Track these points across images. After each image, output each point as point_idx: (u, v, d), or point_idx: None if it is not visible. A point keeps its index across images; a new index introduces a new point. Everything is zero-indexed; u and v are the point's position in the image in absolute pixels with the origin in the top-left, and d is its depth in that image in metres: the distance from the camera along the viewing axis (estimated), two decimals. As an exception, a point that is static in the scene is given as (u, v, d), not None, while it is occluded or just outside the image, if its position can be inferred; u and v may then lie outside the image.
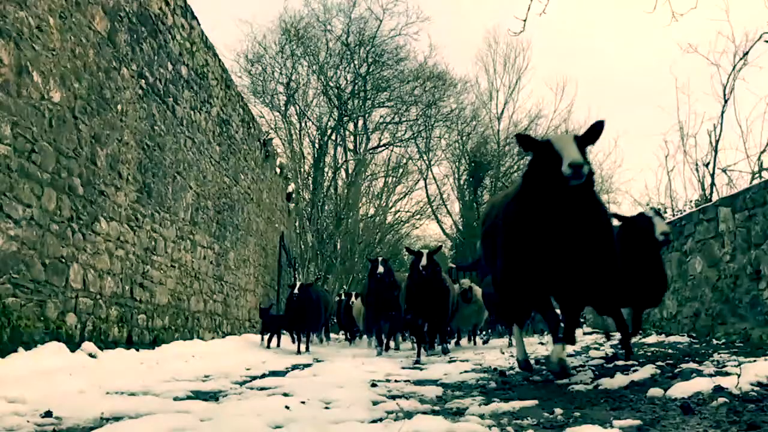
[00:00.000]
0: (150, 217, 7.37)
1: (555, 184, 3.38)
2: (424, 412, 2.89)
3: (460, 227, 28.41)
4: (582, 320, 11.94)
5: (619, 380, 3.55)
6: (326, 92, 27.72)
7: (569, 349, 6.71)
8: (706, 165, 11.91)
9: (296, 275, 17.37)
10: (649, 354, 5.14)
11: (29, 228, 4.89)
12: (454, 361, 6.42)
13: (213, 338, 9.54)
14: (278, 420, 2.68)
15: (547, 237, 3.58)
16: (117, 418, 2.80)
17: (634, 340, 5.86)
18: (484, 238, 4.72)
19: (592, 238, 3.64)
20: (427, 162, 29.38)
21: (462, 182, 29.25)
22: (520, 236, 3.73)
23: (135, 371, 4.84)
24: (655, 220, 4.83)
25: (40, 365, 4.34)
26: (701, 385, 2.92)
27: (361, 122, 29.06)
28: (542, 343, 8.14)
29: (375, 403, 3.21)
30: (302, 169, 26.62)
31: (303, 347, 9.15)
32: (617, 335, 7.09)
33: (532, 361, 4.92)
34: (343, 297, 13.35)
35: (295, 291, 8.88)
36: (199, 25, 9.24)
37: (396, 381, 4.49)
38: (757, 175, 10.78)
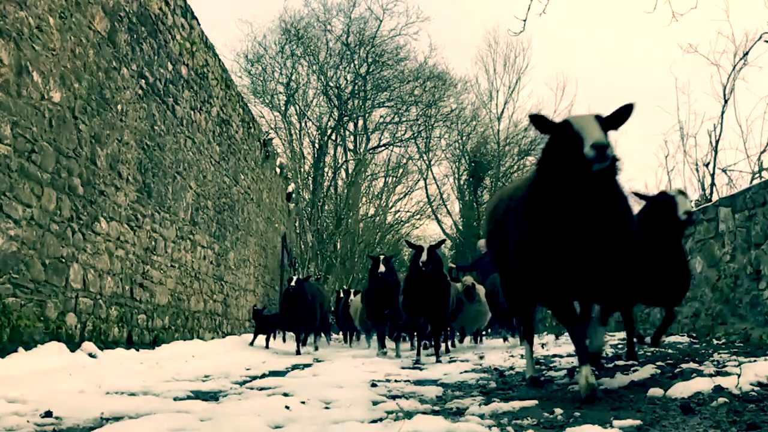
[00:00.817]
0: (150, 217, 7.37)
1: (576, 169, 2.97)
2: (424, 412, 2.89)
3: (460, 227, 28.42)
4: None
5: (619, 380, 3.55)
6: (326, 92, 27.73)
7: (569, 348, 6.70)
8: (706, 165, 11.90)
9: (296, 274, 17.35)
10: (649, 354, 5.14)
11: (29, 228, 4.89)
12: (454, 361, 6.41)
13: (213, 338, 9.54)
14: (278, 420, 2.68)
15: (569, 232, 3.12)
16: (117, 418, 2.80)
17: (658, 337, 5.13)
18: (491, 236, 4.30)
19: (618, 232, 3.19)
20: (427, 162, 29.40)
21: (462, 182, 29.26)
22: (537, 233, 3.26)
23: (135, 371, 4.84)
24: (678, 198, 4.40)
25: (40, 365, 4.34)
26: (701, 385, 2.92)
27: (361, 122, 29.08)
28: (543, 345, 8.13)
29: (375, 403, 3.21)
30: (302, 169, 26.61)
31: (302, 348, 9.02)
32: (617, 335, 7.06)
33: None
34: (342, 295, 13.23)
35: (292, 284, 8.77)
36: (199, 25, 9.24)
37: (396, 381, 4.49)
38: (757, 175, 10.78)
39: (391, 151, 29.63)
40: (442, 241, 7.41)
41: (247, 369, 5.75)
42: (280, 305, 9.57)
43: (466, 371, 5.04)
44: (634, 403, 2.90)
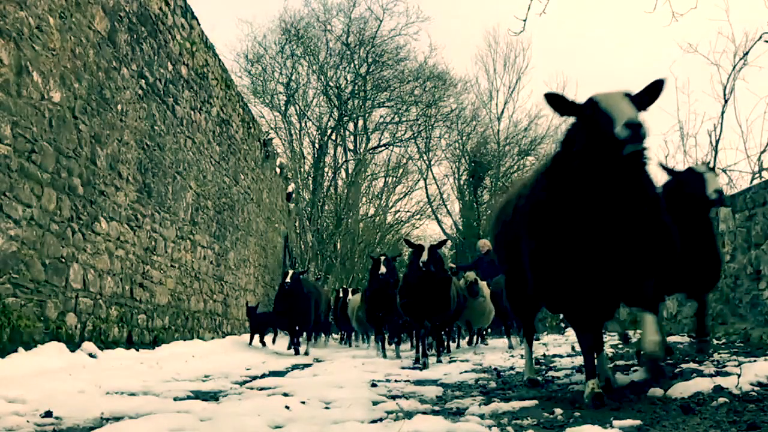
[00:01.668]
0: (150, 217, 7.37)
1: (606, 153, 2.63)
2: (424, 412, 2.89)
3: (460, 227, 28.40)
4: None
5: (619, 380, 3.55)
6: (326, 92, 27.71)
7: (568, 348, 6.71)
8: (706, 165, 11.89)
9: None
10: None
11: (29, 228, 4.89)
12: (454, 361, 6.41)
13: (213, 338, 9.54)
14: (278, 420, 2.68)
15: (598, 228, 2.73)
16: (117, 418, 2.80)
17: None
18: (498, 240, 4.00)
19: (654, 228, 2.81)
20: (427, 162, 29.38)
21: (462, 182, 29.24)
22: (559, 232, 2.84)
23: (135, 371, 4.84)
24: (708, 176, 4.06)
25: (40, 365, 4.34)
26: (701, 385, 2.92)
27: (361, 122, 29.05)
28: (544, 344, 8.13)
29: (375, 403, 3.21)
30: (302, 169, 26.60)
31: (302, 348, 8.72)
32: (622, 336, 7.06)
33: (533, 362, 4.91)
34: (340, 294, 13.13)
35: (287, 280, 8.21)
36: (199, 25, 9.24)
37: (396, 381, 4.49)
38: (757, 175, 10.79)
39: (391, 151, 29.64)
40: (444, 241, 7.07)
41: (247, 369, 5.75)
42: (275, 302, 9.09)
43: (466, 371, 5.04)
44: (634, 403, 2.90)
